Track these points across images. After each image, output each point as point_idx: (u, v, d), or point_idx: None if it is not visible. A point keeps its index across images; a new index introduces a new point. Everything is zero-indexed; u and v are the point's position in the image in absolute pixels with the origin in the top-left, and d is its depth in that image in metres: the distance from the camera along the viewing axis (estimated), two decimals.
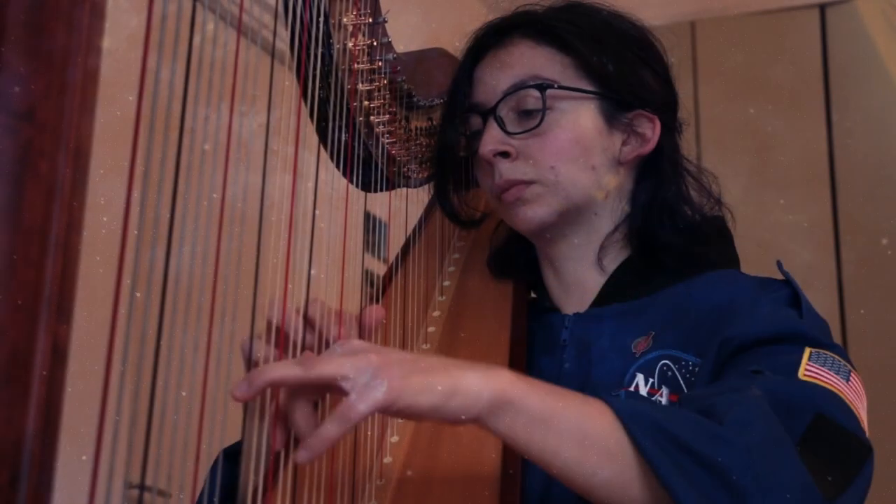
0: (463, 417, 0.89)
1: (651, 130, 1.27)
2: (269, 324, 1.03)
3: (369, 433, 1.11)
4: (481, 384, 0.90)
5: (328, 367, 0.88)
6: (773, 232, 3.11)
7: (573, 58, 1.26)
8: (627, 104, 1.26)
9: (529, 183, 1.23)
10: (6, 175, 0.61)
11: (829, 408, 1.01)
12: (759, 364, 1.05)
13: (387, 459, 1.10)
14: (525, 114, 1.24)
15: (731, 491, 0.90)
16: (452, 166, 1.33)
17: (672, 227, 1.25)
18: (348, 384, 0.86)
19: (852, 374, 1.07)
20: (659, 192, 1.26)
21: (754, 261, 1.29)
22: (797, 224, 3.23)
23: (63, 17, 0.64)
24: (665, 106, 1.30)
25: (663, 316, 1.20)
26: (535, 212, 1.23)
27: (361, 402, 0.86)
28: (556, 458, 0.92)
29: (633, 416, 0.93)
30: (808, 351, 1.06)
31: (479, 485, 1.03)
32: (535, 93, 1.24)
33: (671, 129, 1.29)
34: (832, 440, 0.99)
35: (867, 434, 1.05)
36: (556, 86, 1.24)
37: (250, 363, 1.03)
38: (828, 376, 1.04)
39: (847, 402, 1.03)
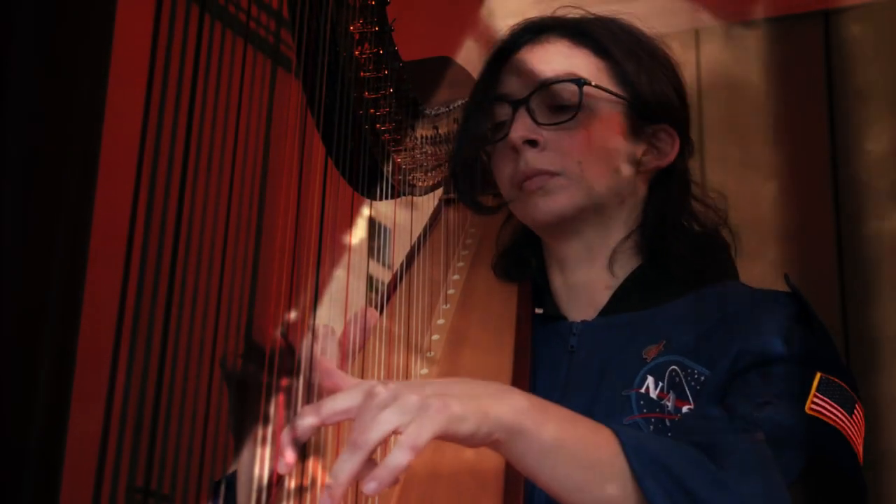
0: (485, 441, 0.90)
1: (670, 145, 1.29)
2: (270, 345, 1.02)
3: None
4: (503, 412, 0.90)
5: (378, 430, 0.86)
6: None
7: (608, 62, 1.28)
8: (653, 116, 1.28)
9: (554, 174, 1.24)
10: (14, 178, 0.62)
11: (830, 447, 1.05)
12: (771, 387, 1.08)
13: None
14: (557, 108, 1.26)
15: None
16: (474, 154, 1.33)
17: (683, 239, 1.28)
18: (402, 430, 0.86)
19: (857, 405, 1.11)
20: (670, 204, 1.29)
21: None
22: None
23: (72, 21, 0.64)
24: (683, 125, 1.32)
25: (673, 326, 1.21)
26: (556, 202, 1.24)
27: (419, 435, 0.85)
28: (563, 484, 0.93)
29: (637, 448, 0.95)
30: (818, 377, 1.09)
31: (483, 485, 1.03)
32: (572, 87, 1.25)
33: (684, 147, 1.31)
34: (828, 480, 1.04)
35: (862, 465, 1.09)
36: (592, 84, 1.25)
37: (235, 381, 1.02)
38: (833, 411, 1.07)
39: (848, 439, 1.07)
